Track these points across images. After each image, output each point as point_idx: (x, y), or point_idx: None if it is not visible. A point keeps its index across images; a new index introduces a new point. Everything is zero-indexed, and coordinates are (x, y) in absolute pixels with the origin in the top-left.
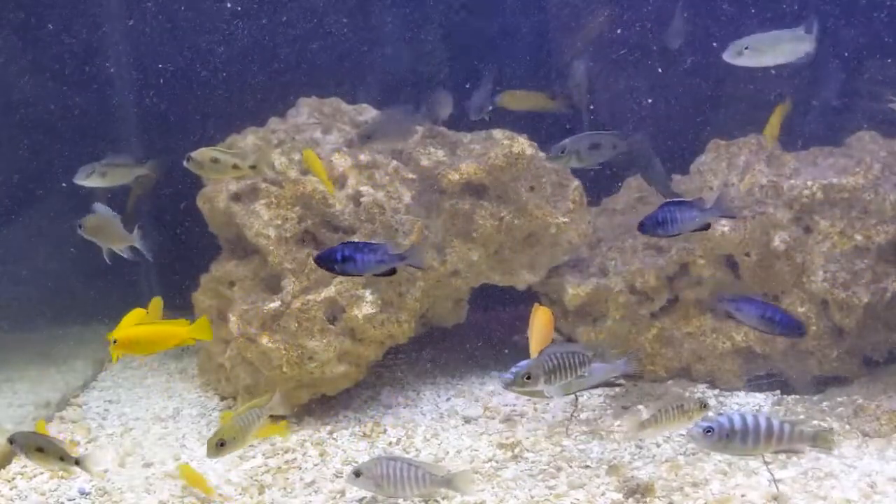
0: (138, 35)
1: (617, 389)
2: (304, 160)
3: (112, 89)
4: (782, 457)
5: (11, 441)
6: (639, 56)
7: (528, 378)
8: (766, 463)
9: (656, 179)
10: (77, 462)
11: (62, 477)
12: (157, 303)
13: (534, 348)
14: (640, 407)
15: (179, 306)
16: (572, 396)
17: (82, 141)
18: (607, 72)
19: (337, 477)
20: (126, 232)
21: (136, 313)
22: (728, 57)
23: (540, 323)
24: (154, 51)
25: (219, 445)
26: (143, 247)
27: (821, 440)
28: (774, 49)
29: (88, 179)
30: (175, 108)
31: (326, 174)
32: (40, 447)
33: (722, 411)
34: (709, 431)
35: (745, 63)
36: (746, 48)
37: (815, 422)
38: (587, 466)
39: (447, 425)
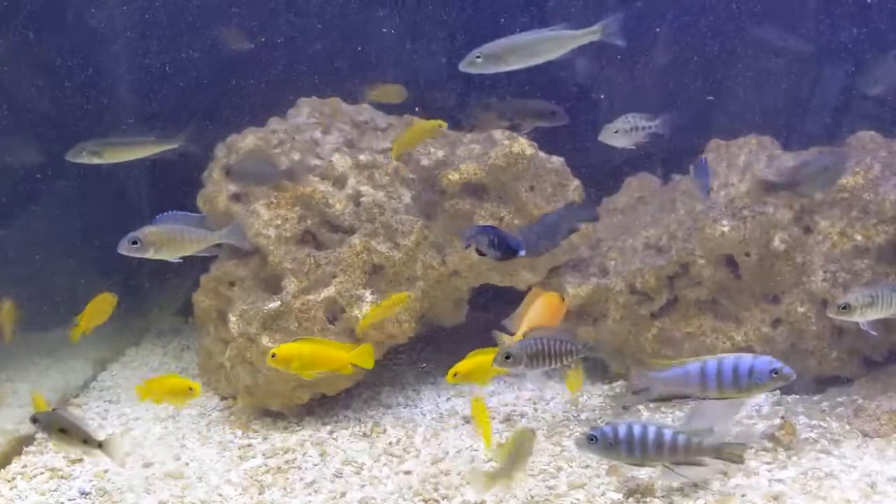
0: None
1: (617, 389)
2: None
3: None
4: (782, 456)
5: (34, 420)
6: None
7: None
8: (672, 469)
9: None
10: (100, 445)
11: (62, 477)
12: (108, 299)
13: (523, 329)
14: (640, 407)
15: (180, 306)
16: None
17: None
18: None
19: (337, 477)
20: (207, 230)
21: (103, 298)
22: (462, 66)
23: (540, 305)
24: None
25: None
26: (235, 240)
27: (727, 453)
28: (516, 54)
29: (80, 158)
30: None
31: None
32: (63, 428)
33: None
34: (592, 439)
35: (479, 71)
36: (478, 58)
37: (815, 420)
38: (587, 466)
39: (447, 425)
